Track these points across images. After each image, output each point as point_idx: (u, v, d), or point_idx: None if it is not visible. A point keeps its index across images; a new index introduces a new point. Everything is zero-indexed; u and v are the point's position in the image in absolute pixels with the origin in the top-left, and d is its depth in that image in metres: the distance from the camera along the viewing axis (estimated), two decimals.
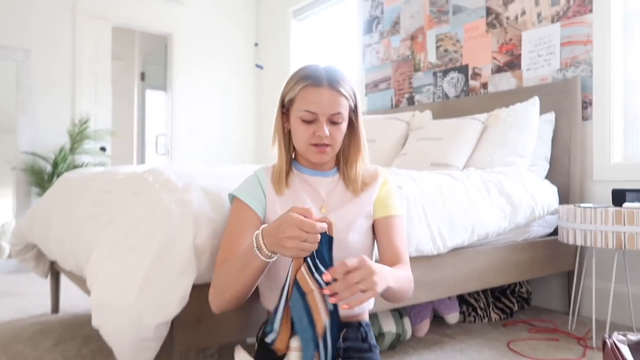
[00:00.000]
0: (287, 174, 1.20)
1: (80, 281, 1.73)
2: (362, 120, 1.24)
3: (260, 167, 1.24)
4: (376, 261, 1.18)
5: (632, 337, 1.32)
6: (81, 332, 2.13)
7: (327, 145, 1.15)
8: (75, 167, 3.89)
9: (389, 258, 1.18)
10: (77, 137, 3.94)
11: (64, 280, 2.98)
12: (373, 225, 1.23)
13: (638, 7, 2.41)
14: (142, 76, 5.57)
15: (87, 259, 1.43)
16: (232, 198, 1.20)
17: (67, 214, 1.80)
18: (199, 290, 1.23)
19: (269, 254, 0.98)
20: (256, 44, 5.17)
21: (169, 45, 4.77)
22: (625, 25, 2.44)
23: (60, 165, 3.81)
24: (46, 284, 3.06)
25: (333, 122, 1.14)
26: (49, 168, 3.86)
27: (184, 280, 1.17)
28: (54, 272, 2.42)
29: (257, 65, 5.09)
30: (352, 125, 1.21)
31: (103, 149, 4.26)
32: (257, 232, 1.00)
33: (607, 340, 1.33)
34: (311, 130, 1.13)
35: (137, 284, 1.13)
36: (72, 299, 2.69)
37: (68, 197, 1.92)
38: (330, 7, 4.36)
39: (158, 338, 1.16)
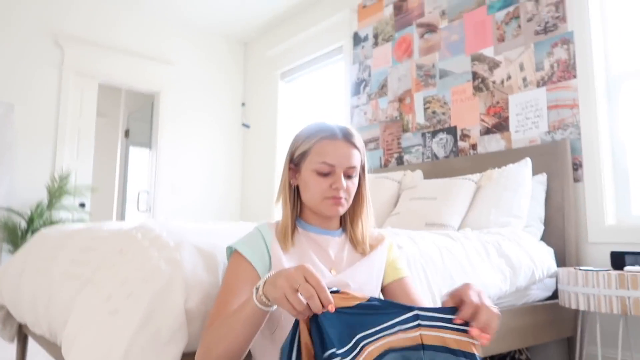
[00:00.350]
0: (293, 231, 1.13)
1: (52, 348, 1.57)
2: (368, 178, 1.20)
3: (262, 223, 1.16)
4: None
5: None
6: None
7: (341, 197, 1.11)
8: (52, 223, 3.73)
9: None
10: (56, 192, 3.81)
11: (31, 345, 2.75)
12: (384, 290, 1.20)
13: (619, 71, 2.50)
14: (127, 133, 5.53)
15: (63, 323, 1.30)
16: (231, 252, 1.12)
17: (41, 272, 1.66)
18: (189, 358, 1.11)
19: (264, 299, 0.87)
20: (243, 104, 5.21)
21: (156, 103, 4.78)
22: (608, 88, 2.52)
23: (36, 221, 3.65)
24: (11, 349, 2.82)
25: (348, 176, 1.12)
26: (23, 224, 3.69)
27: (173, 348, 1.05)
28: (22, 336, 2.23)
29: (244, 125, 5.10)
30: (359, 182, 1.18)
31: (82, 205, 4.12)
32: (259, 283, 0.91)
33: None
34: (327, 183, 1.10)
35: (121, 352, 1.01)
36: None
37: (43, 254, 1.79)
38: (318, 70, 4.45)
39: None
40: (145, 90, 4.74)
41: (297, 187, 1.16)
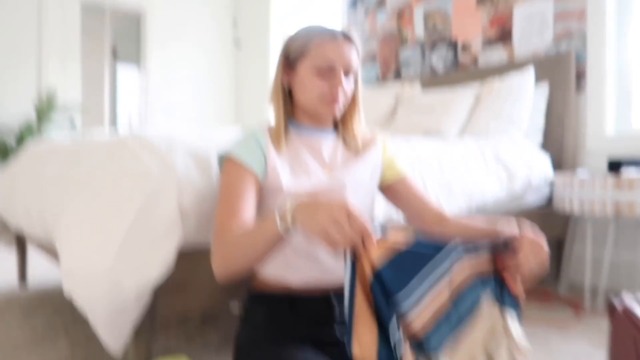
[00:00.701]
0: (286, 132, 1.09)
1: (48, 250, 1.58)
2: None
3: (255, 127, 1.10)
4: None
5: None
6: (51, 303, 1.98)
7: (338, 99, 1.06)
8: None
9: (434, 213, 1.15)
10: (45, 110, 3.72)
11: (31, 253, 2.81)
12: (385, 191, 1.20)
13: None
14: (114, 52, 5.32)
15: (56, 224, 1.29)
16: (223, 159, 1.06)
17: (33, 180, 1.64)
18: (184, 257, 1.12)
19: (289, 225, 0.81)
20: (234, 20, 4.99)
21: (142, 20, 4.56)
22: None
23: (26, 138, 3.59)
24: (12, 257, 2.87)
25: (346, 75, 1.07)
26: (13, 142, 3.64)
27: (168, 243, 1.04)
28: (20, 242, 2.26)
29: (235, 42, 4.91)
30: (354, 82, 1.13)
31: (72, 122, 4.04)
32: (282, 201, 0.91)
33: (616, 303, 1.26)
34: (326, 83, 1.04)
35: (115, 247, 1.00)
36: (40, 271, 2.51)
37: (35, 163, 1.76)
38: None
39: (138, 304, 1.03)
40: (130, 9, 4.50)
41: (290, 88, 1.10)
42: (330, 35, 1.05)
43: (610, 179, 1.85)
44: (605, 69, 2.35)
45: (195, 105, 4.79)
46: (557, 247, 2.40)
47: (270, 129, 1.09)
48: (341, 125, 1.16)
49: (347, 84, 1.07)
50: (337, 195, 1.05)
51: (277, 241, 0.84)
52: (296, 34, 1.09)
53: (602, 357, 1.48)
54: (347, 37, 1.06)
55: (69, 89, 4.08)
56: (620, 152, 2.27)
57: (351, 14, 3.72)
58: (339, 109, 1.07)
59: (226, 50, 4.97)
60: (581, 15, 2.43)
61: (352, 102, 1.14)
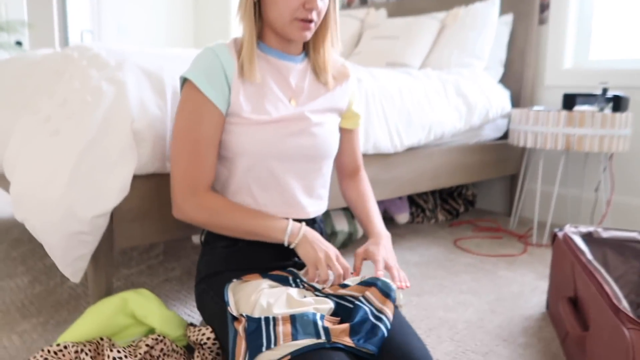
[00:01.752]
0: (252, 45, 1.00)
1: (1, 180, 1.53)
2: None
3: (218, 44, 1.01)
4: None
5: (582, 229, 1.35)
6: (8, 235, 1.95)
7: (311, 21, 0.98)
8: None
9: (351, 166, 1.25)
10: None
11: None
12: (341, 129, 1.20)
13: None
14: None
15: (3, 150, 1.24)
16: (184, 81, 1.00)
17: None
18: (142, 182, 1.10)
19: (293, 242, 1.00)
20: None
21: None
22: None
23: None
24: None
25: None
26: None
27: (123, 168, 1.02)
28: None
29: None
30: (328, 5, 1.05)
31: (19, 43, 3.78)
32: (296, 227, 1.01)
33: (559, 233, 1.35)
34: (299, 1, 0.96)
35: (67, 172, 0.97)
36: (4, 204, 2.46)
37: None
38: None
39: (95, 232, 1.02)
40: None
41: (259, 3, 1.01)
42: None
43: (562, 113, 1.90)
44: (568, 0, 2.33)
45: (151, 25, 4.53)
46: (511, 182, 2.50)
47: (235, 48, 1.01)
48: (312, 49, 1.09)
49: (322, 3, 0.98)
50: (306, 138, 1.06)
51: (272, 239, 1.00)
52: None
53: (546, 286, 1.59)
54: None
55: (11, 2, 3.76)
56: (577, 85, 2.32)
57: None
58: (310, 33, 1.00)
59: None
60: None
61: (325, 24, 1.06)
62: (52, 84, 1.15)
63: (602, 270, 1.03)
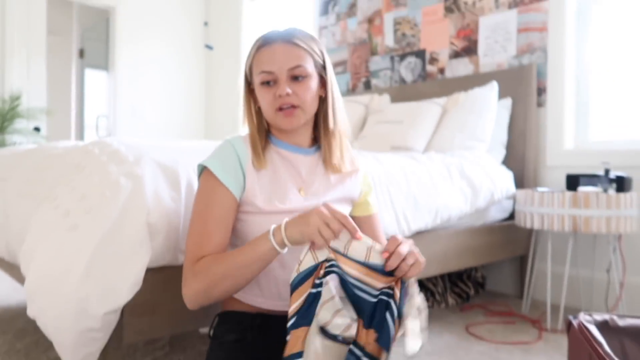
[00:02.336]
0: (264, 146, 1.06)
1: (12, 269, 1.54)
2: (335, 81, 1.11)
3: (235, 136, 1.08)
4: None
5: (598, 317, 1.32)
6: (13, 325, 1.92)
7: (294, 107, 1.02)
8: (5, 147, 3.57)
9: None
10: (8, 114, 3.60)
11: None
12: (353, 218, 1.19)
13: None
14: (81, 53, 5.20)
15: (21, 242, 1.26)
16: (202, 169, 1.05)
17: None
18: (154, 275, 1.11)
19: (285, 241, 0.92)
20: (206, 23, 4.94)
21: (111, 19, 4.47)
22: (579, 13, 2.49)
23: None
24: None
25: (295, 79, 1.02)
26: None
27: (137, 263, 1.04)
28: None
29: (207, 46, 4.87)
30: (324, 85, 1.08)
31: (37, 129, 3.93)
32: (275, 225, 0.94)
33: (573, 321, 1.33)
34: (272, 92, 1.02)
35: (82, 267, 0.99)
36: (1, 292, 2.45)
37: None
38: None
39: (106, 328, 1.03)
40: (99, 3, 4.41)
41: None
42: (266, 43, 1.02)
43: (567, 194, 1.93)
44: (564, 84, 2.44)
45: (164, 110, 4.73)
46: (520, 263, 2.48)
47: (246, 142, 1.07)
48: (324, 141, 1.10)
49: (299, 88, 1.02)
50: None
51: (269, 258, 0.93)
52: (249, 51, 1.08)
53: None
54: (286, 39, 1.02)
55: (33, 91, 3.97)
56: (579, 165, 2.37)
57: (322, 20, 3.75)
58: (296, 118, 1.03)
59: (197, 53, 4.92)
60: (543, 28, 2.52)
61: (328, 110, 1.07)
62: (73, 178, 1.20)
63: None
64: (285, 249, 0.93)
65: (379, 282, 0.89)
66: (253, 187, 1.02)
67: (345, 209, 1.16)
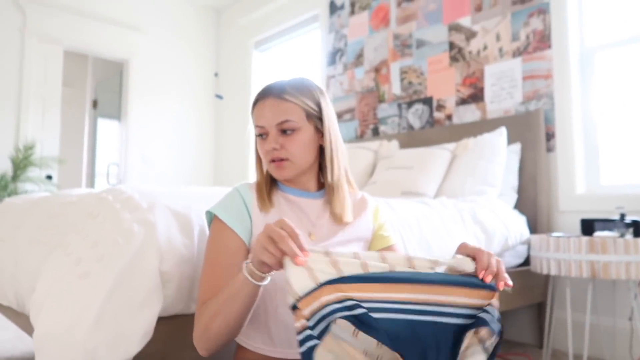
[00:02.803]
0: (269, 191, 1.09)
1: (19, 318, 1.52)
2: (336, 130, 1.12)
3: (241, 183, 1.11)
4: None
5: None
6: None
7: (282, 159, 1.05)
8: (17, 195, 3.60)
9: None
10: (21, 163, 3.66)
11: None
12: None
13: (594, 43, 2.52)
14: (95, 104, 5.34)
15: (30, 290, 1.25)
16: (211, 217, 1.07)
17: (6, 241, 1.59)
18: (165, 324, 1.09)
19: (259, 274, 0.86)
20: (216, 74, 5.08)
21: (125, 72, 4.61)
22: (582, 60, 2.54)
23: (0, 193, 3.51)
24: None
25: (284, 132, 1.05)
26: None
27: (148, 311, 1.02)
28: None
29: (217, 96, 4.99)
30: (322, 135, 1.10)
31: (49, 177, 3.98)
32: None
33: None
34: (263, 144, 1.08)
35: (92, 315, 0.97)
36: (6, 342, 2.40)
37: (8, 223, 1.71)
38: (293, 39, 4.36)
39: None
40: (114, 57, 4.56)
41: None
42: (260, 99, 1.08)
43: (583, 240, 1.89)
44: (572, 129, 2.46)
45: (174, 157, 4.79)
46: (538, 311, 2.41)
47: (254, 189, 1.10)
48: (328, 188, 1.11)
49: (287, 141, 1.04)
50: None
51: (249, 291, 0.88)
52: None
53: None
54: (277, 94, 1.04)
55: (47, 140, 4.05)
56: (591, 210, 2.34)
57: (330, 70, 3.84)
58: (286, 170, 1.06)
59: (207, 103, 5.03)
60: (548, 75, 2.56)
61: (326, 157, 1.09)
62: (85, 225, 1.20)
63: None
64: (264, 281, 0.88)
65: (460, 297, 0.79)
66: (259, 231, 1.02)
67: (358, 248, 1.14)
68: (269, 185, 1.11)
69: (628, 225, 1.98)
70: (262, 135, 1.08)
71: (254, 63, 4.67)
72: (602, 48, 2.49)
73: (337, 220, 1.11)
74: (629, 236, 1.94)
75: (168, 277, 1.07)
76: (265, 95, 1.07)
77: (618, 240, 1.86)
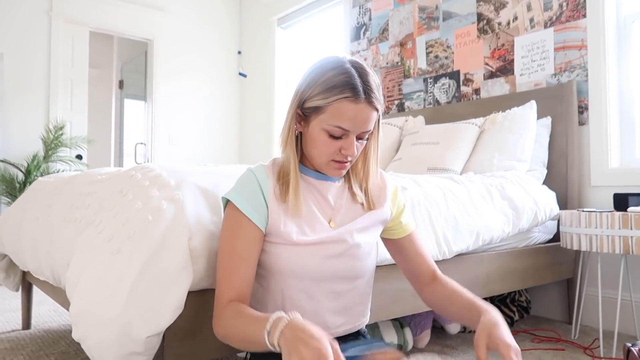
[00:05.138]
0: (296, 182, 1.03)
1: (56, 293, 1.58)
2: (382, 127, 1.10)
3: (257, 166, 1.07)
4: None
5: None
6: (56, 348, 1.95)
7: (348, 162, 1.03)
8: (49, 174, 3.70)
9: (428, 273, 1.17)
10: (52, 143, 3.75)
11: (35, 294, 2.80)
12: (390, 243, 1.20)
13: (631, 11, 2.40)
14: (121, 84, 5.41)
15: (65, 266, 1.29)
16: (226, 202, 1.04)
17: (41, 219, 1.64)
18: (195, 298, 1.11)
19: (276, 344, 0.80)
20: (239, 52, 5.07)
21: (149, 52, 4.64)
22: (618, 29, 2.43)
23: (33, 173, 3.61)
24: (17, 297, 2.86)
25: (360, 138, 1.02)
26: (20, 176, 3.66)
27: (179, 286, 1.04)
28: (26, 284, 2.24)
29: (241, 74, 4.98)
30: (371, 135, 1.07)
31: (79, 157, 4.07)
32: (276, 316, 0.82)
33: (633, 349, 1.25)
34: (337, 145, 0.99)
35: (125, 291, 1.00)
36: (44, 315, 2.50)
37: (42, 202, 1.77)
38: (316, 15, 4.30)
39: (148, 352, 1.02)
40: (138, 37, 4.59)
41: (300, 134, 1.05)
42: (351, 99, 0.95)
43: (616, 215, 1.84)
44: (607, 101, 2.37)
45: (199, 136, 4.83)
46: (567, 287, 2.38)
47: (273, 170, 1.06)
48: (352, 175, 1.11)
49: (360, 146, 1.02)
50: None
51: (262, 347, 0.83)
52: (314, 81, 0.99)
53: None
54: (369, 98, 0.97)
55: (75, 121, 4.13)
56: (626, 184, 2.27)
57: (354, 46, 3.78)
58: (345, 171, 1.05)
59: (231, 81, 5.04)
60: (582, 46, 2.47)
61: (365, 159, 1.08)
62: (116, 203, 1.22)
63: None
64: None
65: None
66: (278, 218, 1.01)
67: (377, 231, 1.14)
68: (296, 175, 1.03)
69: None
70: (336, 135, 0.99)
71: (277, 40, 4.63)
72: (639, 16, 2.38)
73: (358, 205, 1.10)
74: None
75: (197, 253, 1.09)
76: (357, 96, 0.96)
77: None
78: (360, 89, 0.96)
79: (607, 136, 2.37)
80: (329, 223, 1.06)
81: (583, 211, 1.95)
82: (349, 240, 1.05)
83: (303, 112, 1.02)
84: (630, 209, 1.92)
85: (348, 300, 1.09)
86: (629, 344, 1.28)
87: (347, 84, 0.96)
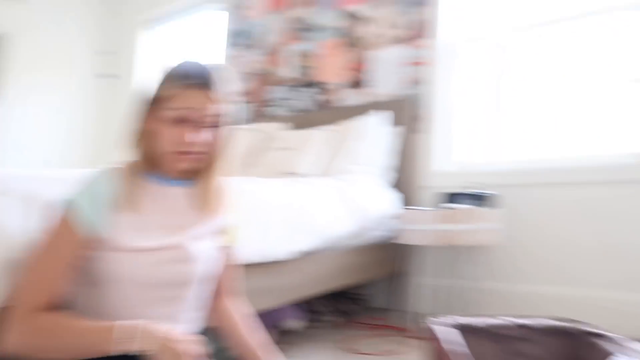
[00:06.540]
0: (137, 184, 1.01)
1: None
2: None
3: (104, 168, 1.01)
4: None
5: (449, 319, 1.46)
6: None
7: (201, 152, 1.00)
8: None
9: (229, 288, 1.22)
10: None
11: None
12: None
13: (459, 36, 2.78)
14: None
15: None
16: (64, 205, 0.97)
17: None
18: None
19: (137, 350, 0.85)
20: (102, 52, 4.82)
21: (3, 47, 4.26)
22: (453, 50, 2.80)
23: None
24: None
25: (213, 126, 1.00)
26: None
27: None
28: None
29: (102, 75, 4.73)
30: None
31: None
32: (123, 323, 0.87)
33: (427, 324, 1.46)
34: (182, 134, 0.97)
35: None
36: None
37: None
38: (187, 18, 4.28)
39: None
40: None
41: (146, 135, 1.02)
42: (198, 84, 0.96)
43: (438, 211, 2.13)
44: (435, 113, 2.75)
45: (55, 140, 4.50)
46: (402, 279, 2.63)
47: (117, 174, 1.00)
48: (200, 178, 1.08)
49: (209, 136, 1.00)
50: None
51: (101, 353, 0.86)
52: (163, 76, 1.00)
53: None
54: (214, 86, 0.97)
55: None
56: (454, 185, 2.58)
57: (227, 51, 3.84)
58: (198, 162, 1.02)
59: (92, 84, 4.77)
60: (426, 63, 2.80)
61: (214, 156, 1.05)
62: None
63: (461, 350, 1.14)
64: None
65: None
66: (116, 223, 0.97)
67: (215, 238, 1.14)
68: (137, 180, 1.01)
69: (478, 198, 2.25)
70: (181, 122, 0.96)
71: (141, 42, 4.52)
72: (463, 41, 2.77)
73: (203, 211, 1.09)
74: (478, 207, 2.19)
75: (15, 266, 1.04)
76: (204, 81, 0.96)
77: (466, 211, 2.10)
78: (207, 75, 0.98)
79: (435, 143, 2.74)
80: (168, 229, 1.03)
81: (409, 209, 2.22)
82: (187, 247, 1.04)
83: (151, 104, 1.00)
84: (449, 205, 2.22)
85: (185, 306, 1.08)
86: (425, 321, 1.48)
87: (193, 72, 0.98)
